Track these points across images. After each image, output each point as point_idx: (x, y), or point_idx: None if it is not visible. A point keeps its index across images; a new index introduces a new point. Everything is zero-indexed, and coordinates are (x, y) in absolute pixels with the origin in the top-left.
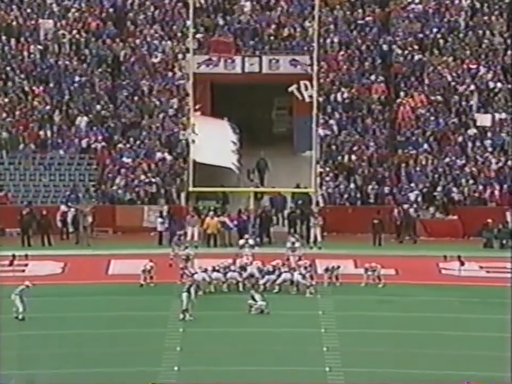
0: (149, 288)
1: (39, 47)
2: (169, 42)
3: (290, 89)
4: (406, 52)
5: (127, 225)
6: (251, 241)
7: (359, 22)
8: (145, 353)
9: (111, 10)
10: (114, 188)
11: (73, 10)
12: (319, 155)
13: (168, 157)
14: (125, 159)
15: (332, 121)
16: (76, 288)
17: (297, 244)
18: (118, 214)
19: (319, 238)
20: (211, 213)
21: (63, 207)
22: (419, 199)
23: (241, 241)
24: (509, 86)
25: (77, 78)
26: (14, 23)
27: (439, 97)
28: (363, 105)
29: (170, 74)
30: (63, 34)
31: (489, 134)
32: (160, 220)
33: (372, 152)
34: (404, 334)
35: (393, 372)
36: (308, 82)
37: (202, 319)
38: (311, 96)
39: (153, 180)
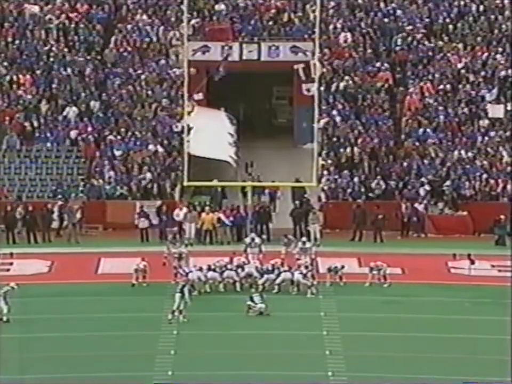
0: (141, 288)
1: (25, 32)
2: (162, 28)
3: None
4: (414, 37)
5: (118, 222)
6: (257, 240)
7: (364, 5)
8: (138, 357)
9: None
10: (104, 181)
11: None
12: (320, 147)
13: (161, 150)
14: (115, 152)
15: (334, 112)
16: (64, 288)
17: (308, 244)
18: (108, 210)
19: (318, 236)
20: (207, 208)
21: (60, 203)
22: (427, 194)
23: (247, 240)
24: None
25: (65, 66)
26: None
27: (448, 86)
28: (367, 94)
29: (163, 61)
30: (50, 19)
31: (501, 125)
32: (138, 216)
33: (376, 144)
34: (410, 336)
35: (399, 376)
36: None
37: (197, 320)
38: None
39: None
